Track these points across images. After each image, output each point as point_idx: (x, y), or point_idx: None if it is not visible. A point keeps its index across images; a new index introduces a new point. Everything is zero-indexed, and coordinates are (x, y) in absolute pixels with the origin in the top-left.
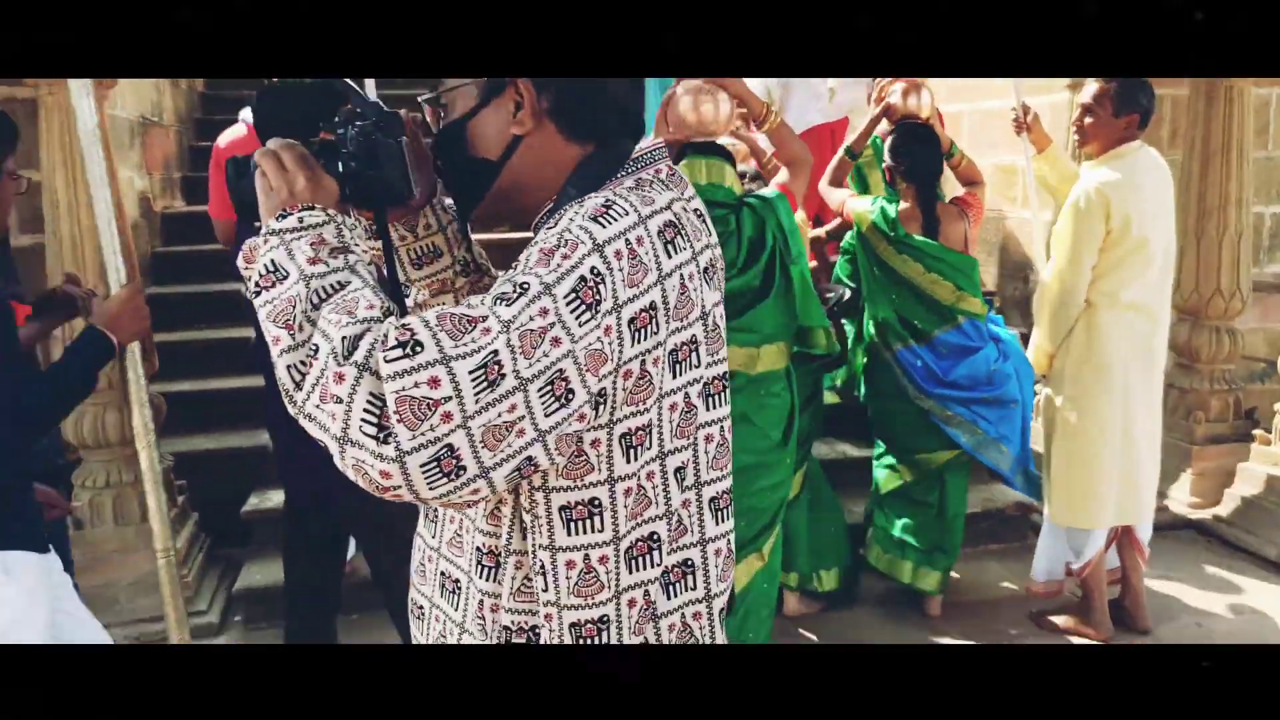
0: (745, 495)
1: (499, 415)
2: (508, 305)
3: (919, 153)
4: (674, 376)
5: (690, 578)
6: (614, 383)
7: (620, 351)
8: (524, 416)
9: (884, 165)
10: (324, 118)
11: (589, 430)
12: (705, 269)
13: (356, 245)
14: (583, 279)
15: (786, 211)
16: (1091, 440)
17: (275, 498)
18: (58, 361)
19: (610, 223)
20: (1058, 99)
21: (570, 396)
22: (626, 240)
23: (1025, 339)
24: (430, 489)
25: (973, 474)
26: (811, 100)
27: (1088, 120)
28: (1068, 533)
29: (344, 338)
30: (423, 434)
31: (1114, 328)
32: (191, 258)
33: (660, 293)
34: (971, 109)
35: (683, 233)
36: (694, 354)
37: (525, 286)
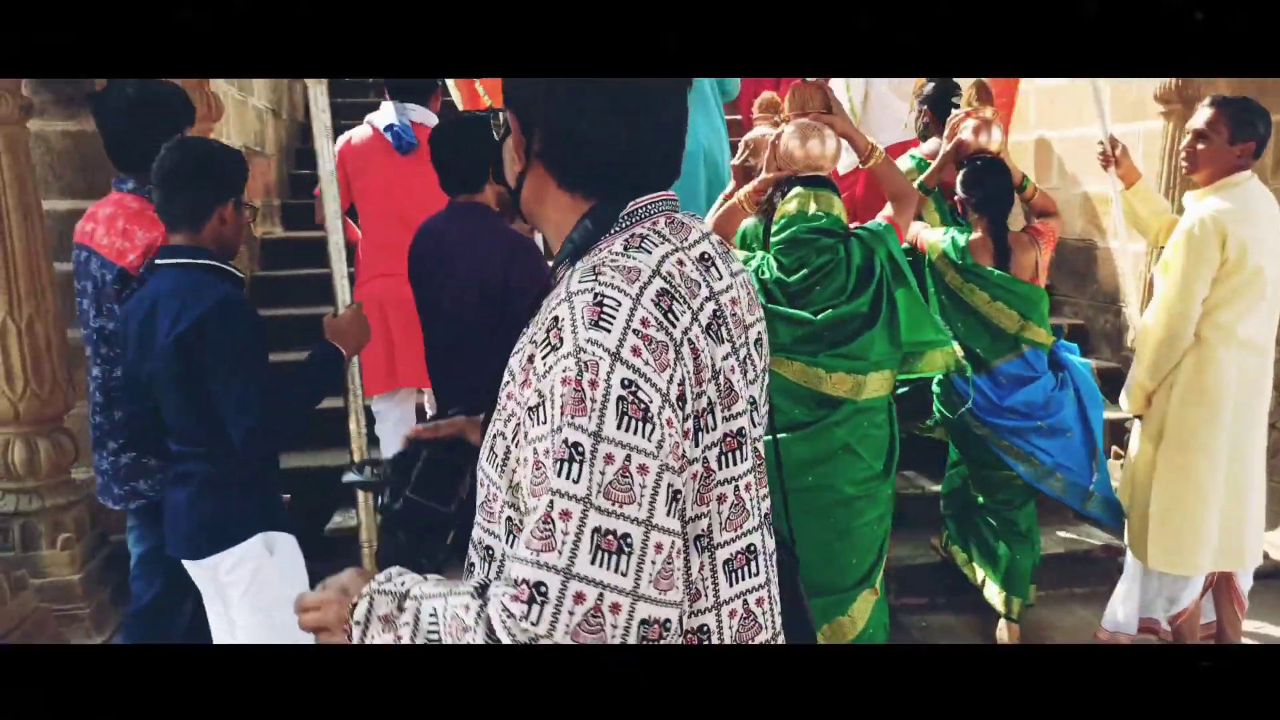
0: (854, 528)
1: (653, 564)
2: (573, 479)
3: (990, 186)
4: (696, 445)
5: (706, 643)
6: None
7: (682, 430)
8: (672, 543)
9: (956, 198)
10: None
11: None
12: (709, 326)
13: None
14: (622, 399)
15: (894, 242)
16: (1198, 483)
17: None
18: (299, 371)
19: (611, 322)
20: (1151, 126)
21: (679, 495)
22: (635, 331)
23: (1101, 372)
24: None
25: (1058, 513)
26: (890, 120)
27: (1200, 146)
28: (1161, 579)
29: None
30: (619, 634)
31: (1227, 364)
32: (290, 282)
33: (680, 363)
34: (1061, 136)
35: (678, 296)
36: (710, 416)
37: (579, 447)
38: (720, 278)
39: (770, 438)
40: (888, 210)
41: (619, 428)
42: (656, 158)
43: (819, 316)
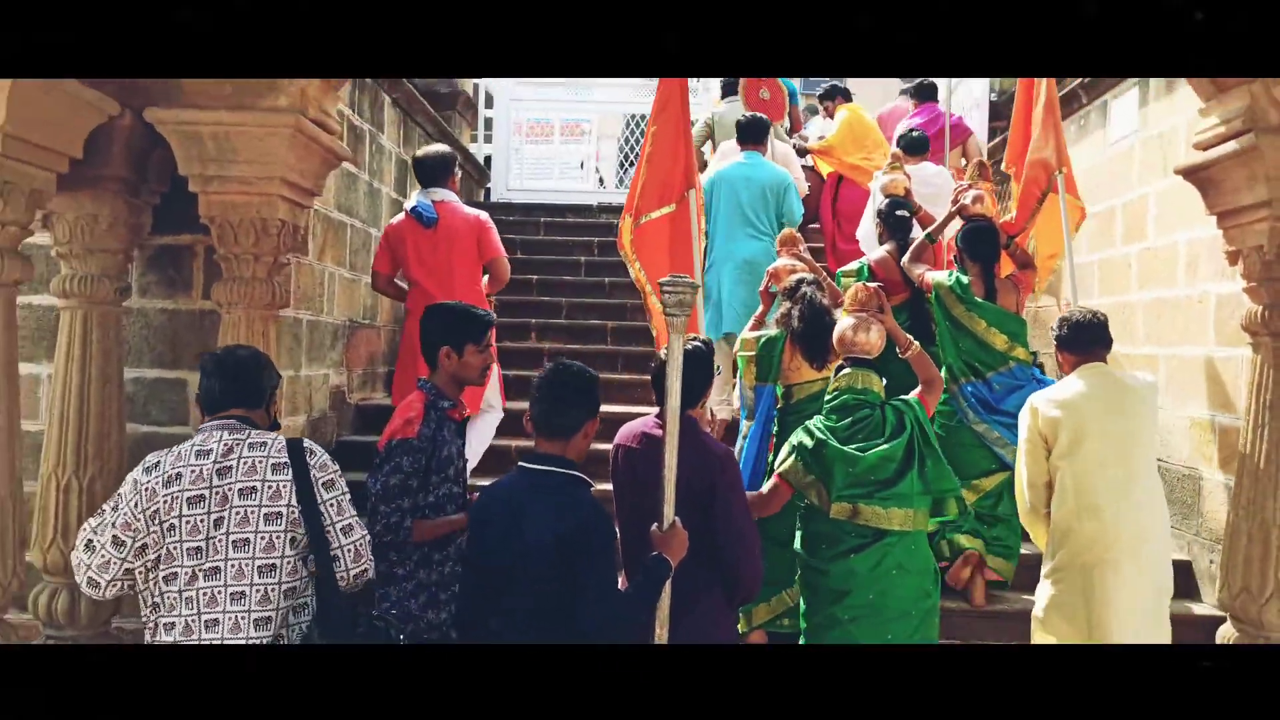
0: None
1: None
2: None
3: (983, 243)
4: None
5: None
6: None
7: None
8: None
9: (955, 253)
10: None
11: None
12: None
13: None
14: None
15: (922, 413)
16: None
17: None
18: (638, 585)
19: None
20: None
21: None
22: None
23: None
24: None
25: None
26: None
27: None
28: None
29: None
30: None
31: None
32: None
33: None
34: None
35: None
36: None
37: None
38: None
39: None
40: (919, 389)
41: None
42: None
43: (866, 456)
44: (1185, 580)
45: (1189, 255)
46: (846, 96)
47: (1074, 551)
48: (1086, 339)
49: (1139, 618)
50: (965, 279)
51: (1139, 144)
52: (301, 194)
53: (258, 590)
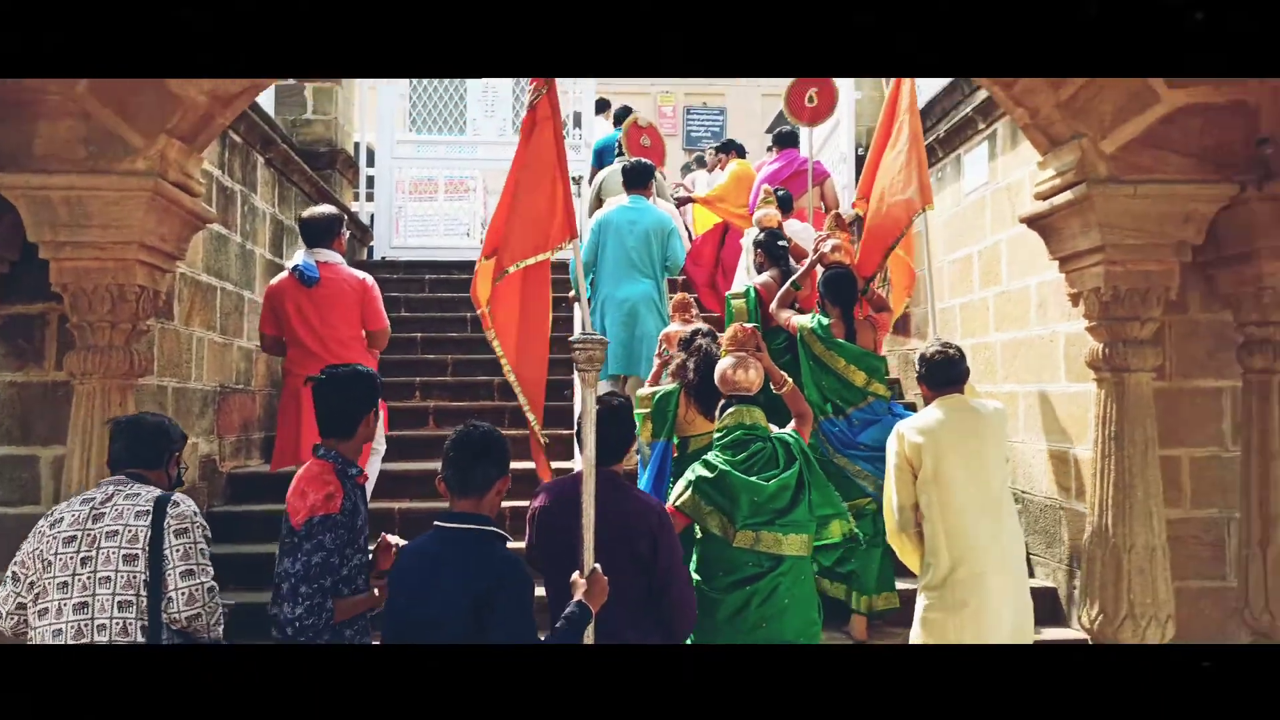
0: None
1: None
2: None
3: (842, 288)
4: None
5: None
6: None
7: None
8: None
9: (819, 297)
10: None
11: None
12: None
13: None
14: None
15: (803, 444)
16: None
17: None
18: (557, 632)
19: None
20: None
21: None
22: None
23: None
24: None
25: None
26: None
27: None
28: None
29: None
30: None
31: None
32: (252, 518)
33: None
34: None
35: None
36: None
37: None
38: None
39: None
40: (793, 423)
41: None
42: None
43: (769, 484)
44: (1052, 606)
45: (1039, 297)
46: (741, 153)
47: (944, 568)
48: (941, 375)
49: (1009, 624)
50: (826, 321)
51: (990, 195)
52: (162, 258)
53: (117, 623)
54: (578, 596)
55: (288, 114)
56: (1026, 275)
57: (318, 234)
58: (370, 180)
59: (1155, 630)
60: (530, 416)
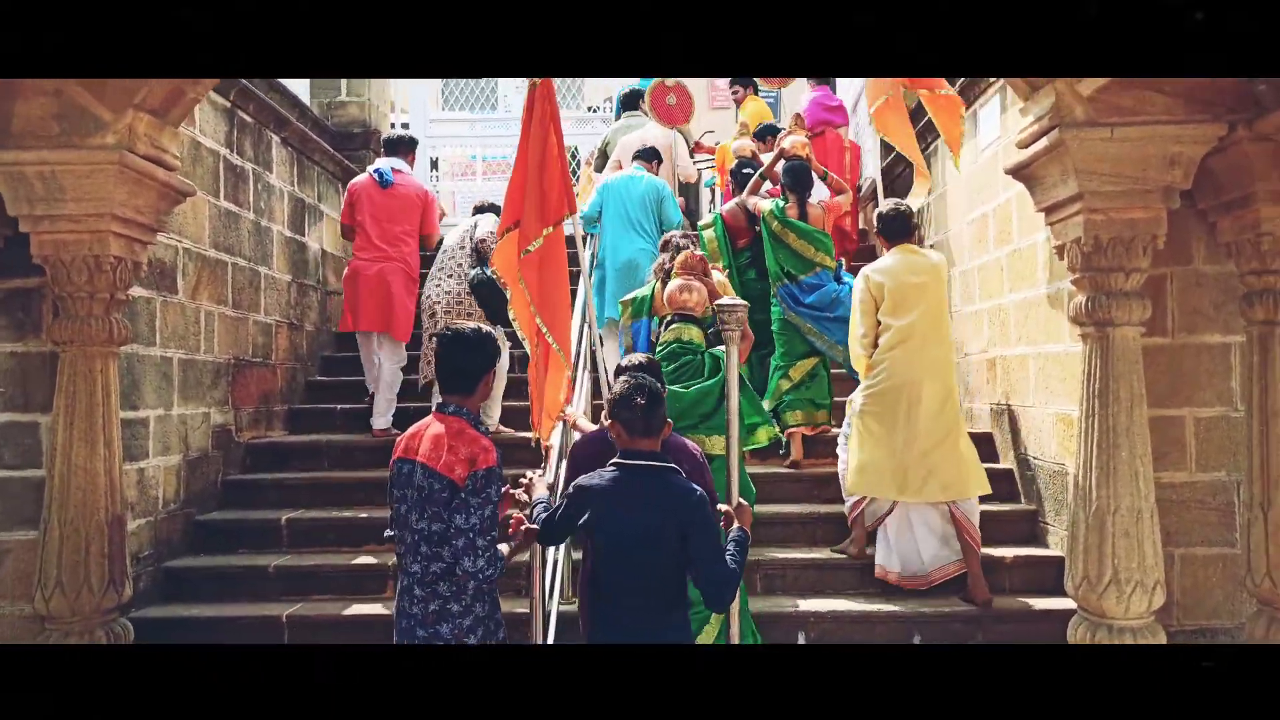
0: None
1: None
2: None
3: (798, 178)
4: None
5: None
6: None
7: None
8: None
9: (781, 182)
10: None
11: None
12: None
13: None
14: None
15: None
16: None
17: None
18: (733, 555)
19: None
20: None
21: None
22: None
23: None
24: None
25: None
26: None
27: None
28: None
29: None
30: None
31: None
32: (263, 485)
33: None
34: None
35: None
36: None
37: None
38: None
39: None
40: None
41: None
42: None
43: (688, 391)
44: (1059, 576)
45: (1047, 254)
46: (755, 89)
47: (889, 371)
48: (896, 228)
49: (934, 417)
50: (784, 204)
51: (1001, 150)
52: (139, 229)
53: None
54: (736, 524)
55: (323, 97)
56: (1035, 232)
57: (395, 146)
58: None
59: (1141, 597)
60: (562, 356)
